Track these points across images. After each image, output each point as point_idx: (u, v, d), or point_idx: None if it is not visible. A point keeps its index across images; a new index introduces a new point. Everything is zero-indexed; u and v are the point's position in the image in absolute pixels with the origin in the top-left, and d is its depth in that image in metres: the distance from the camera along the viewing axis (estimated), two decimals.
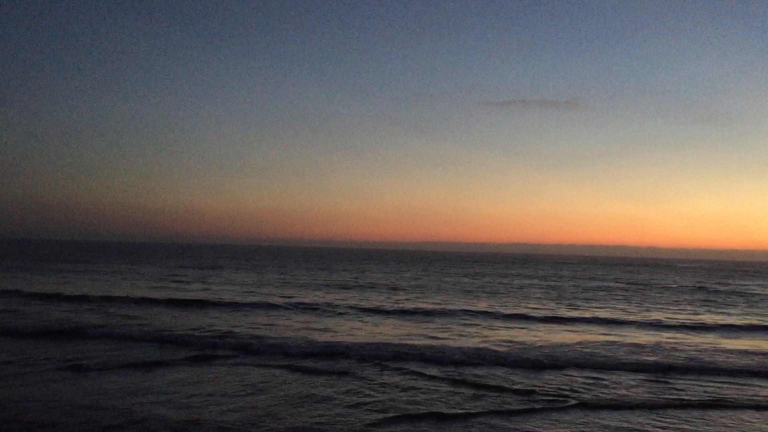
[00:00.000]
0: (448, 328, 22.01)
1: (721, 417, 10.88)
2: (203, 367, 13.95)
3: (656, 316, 28.46)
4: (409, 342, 17.95)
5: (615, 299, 38.32)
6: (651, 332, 22.60)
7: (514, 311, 28.28)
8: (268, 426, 9.52)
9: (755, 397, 12.45)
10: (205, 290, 35.05)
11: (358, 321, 23.42)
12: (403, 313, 26.46)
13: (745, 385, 13.67)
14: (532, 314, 27.30)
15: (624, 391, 12.60)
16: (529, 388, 12.50)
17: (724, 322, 26.28)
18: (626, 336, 21.12)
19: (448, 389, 12.33)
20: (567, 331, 22.32)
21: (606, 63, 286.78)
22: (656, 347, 18.56)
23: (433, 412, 10.48)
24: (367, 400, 11.28)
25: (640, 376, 14.23)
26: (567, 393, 12.23)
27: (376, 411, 10.52)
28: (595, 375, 14.23)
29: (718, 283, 63.48)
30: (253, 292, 34.83)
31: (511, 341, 18.94)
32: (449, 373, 13.80)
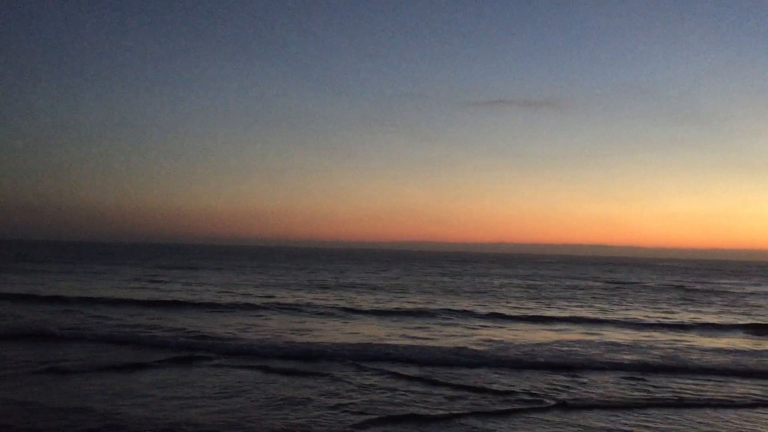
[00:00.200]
0: (428, 327, 22.06)
1: (699, 416, 11.01)
2: (182, 369, 13.85)
3: (634, 314, 28.75)
4: (389, 342, 17.96)
5: (594, 298, 38.65)
6: (629, 331, 22.82)
7: (494, 310, 28.40)
8: (248, 428, 9.48)
9: (731, 396, 12.62)
10: (184, 291, 34.81)
11: (338, 321, 23.40)
12: (383, 313, 26.47)
13: (721, 383, 13.85)
14: (512, 313, 27.45)
15: (602, 391, 12.72)
16: (507, 389, 12.57)
17: (701, 321, 26.62)
18: (604, 335, 21.31)
19: (428, 390, 12.35)
20: (546, 330, 22.48)
21: (586, 64, 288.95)
22: (634, 346, 18.75)
23: (414, 413, 10.50)
24: (348, 401, 11.27)
25: (618, 376, 14.36)
26: (546, 393, 12.31)
27: (357, 413, 10.51)
28: (573, 374, 14.33)
29: (696, 282, 64.28)
30: (232, 292, 34.65)
31: (490, 341, 19.03)
32: (429, 374, 13.82)
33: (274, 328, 20.76)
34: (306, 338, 18.56)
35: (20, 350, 15.57)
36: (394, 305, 29.68)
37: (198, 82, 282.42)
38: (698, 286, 55.92)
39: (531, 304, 32.88)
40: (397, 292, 38.49)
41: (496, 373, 14.30)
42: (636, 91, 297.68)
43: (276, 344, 17.08)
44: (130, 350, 16.01)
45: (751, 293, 48.72)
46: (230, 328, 20.34)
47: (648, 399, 12.14)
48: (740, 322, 26.49)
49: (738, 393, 12.93)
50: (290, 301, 30.20)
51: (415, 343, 17.96)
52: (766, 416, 11.16)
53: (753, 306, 36.09)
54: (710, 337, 21.90)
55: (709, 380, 14.15)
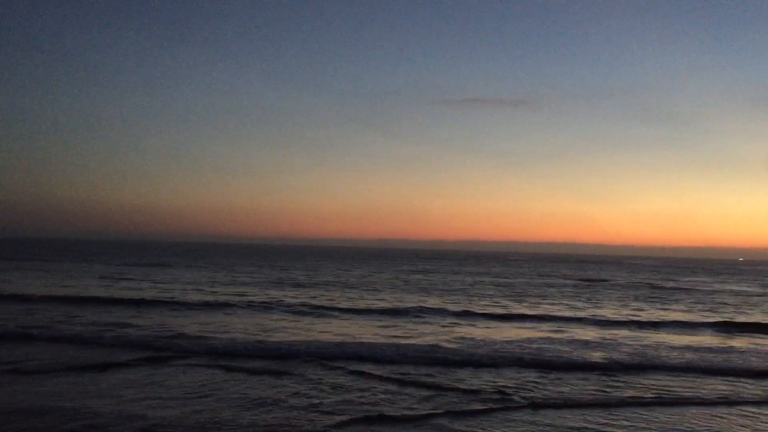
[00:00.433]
0: (401, 326, 22.03)
1: (669, 414, 11.11)
2: (152, 369, 13.61)
3: (605, 312, 29.05)
4: (361, 341, 17.87)
5: (565, 296, 38.99)
6: (599, 329, 23.02)
7: (466, 308, 28.47)
8: (222, 429, 9.33)
9: (701, 393, 12.77)
10: (154, 289, 34.33)
11: (310, 320, 23.25)
12: (355, 311, 26.38)
13: (690, 381, 14.01)
14: (484, 311, 27.53)
15: (573, 389, 12.77)
16: (480, 388, 12.56)
17: (670, 318, 26.97)
18: (575, 332, 21.46)
19: (401, 390, 12.29)
20: (517, 327, 22.57)
21: (559, 63, 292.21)
22: (604, 344, 18.91)
23: (388, 414, 10.42)
24: (320, 401, 11.17)
25: (589, 374, 14.46)
26: (517, 392, 12.33)
27: (330, 413, 10.41)
28: (544, 372, 14.40)
29: (665, 280, 65.24)
30: (203, 290, 34.27)
31: (462, 338, 19.05)
32: (401, 373, 13.77)
33: (245, 326, 20.54)
34: (278, 337, 18.40)
35: None
36: (366, 303, 29.62)
37: (173, 80, 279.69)
38: (667, 284, 56.75)
39: (503, 302, 33.04)
40: (369, 290, 38.43)
41: (468, 371, 14.30)
42: (608, 91, 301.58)
43: (247, 343, 16.89)
44: (97, 350, 15.72)
45: (718, 291, 49.58)
46: (201, 326, 20.09)
47: (619, 397, 12.22)
48: (708, 320, 26.89)
49: (707, 390, 13.08)
50: (262, 299, 29.95)
51: (387, 342, 17.89)
52: (733, 413, 11.30)
53: (720, 303, 36.71)
54: (679, 334, 22.20)
55: (678, 378, 14.31)
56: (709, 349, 18.57)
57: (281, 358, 15.20)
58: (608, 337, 20.73)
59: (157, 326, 19.80)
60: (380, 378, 13.27)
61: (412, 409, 10.88)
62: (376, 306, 28.33)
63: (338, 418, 10.13)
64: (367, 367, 14.28)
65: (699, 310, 31.77)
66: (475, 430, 9.83)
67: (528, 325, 23.76)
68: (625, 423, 10.42)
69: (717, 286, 56.29)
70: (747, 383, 14.02)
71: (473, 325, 22.98)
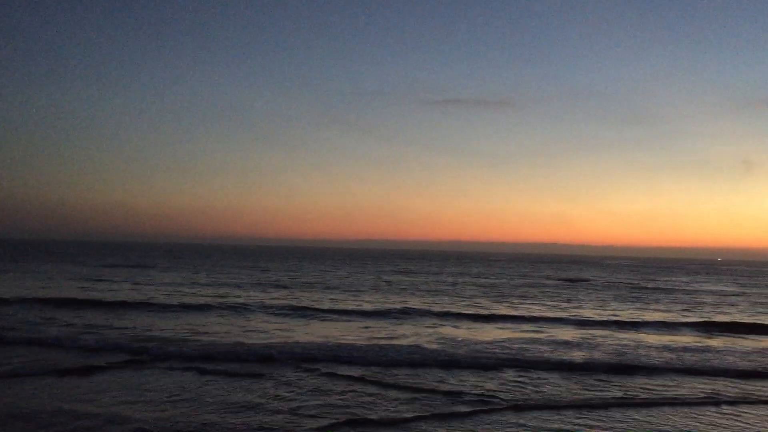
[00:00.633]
0: (382, 327, 21.98)
1: (650, 414, 11.18)
2: (131, 373, 13.44)
3: (585, 313, 29.23)
4: (342, 342, 17.79)
5: (545, 296, 39.19)
6: (580, 329, 23.15)
7: (447, 309, 28.51)
8: None
9: (679, 393, 12.86)
10: (133, 290, 33.97)
11: (292, 321, 23.12)
12: (336, 312, 26.29)
13: (670, 381, 14.12)
14: (465, 312, 27.58)
15: (553, 390, 12.81)
16: (461, 389, 12.55)
17: (650, 319, 27.19)
18: (556, 333, 21.56)
19: (383, 392, 12.25)
20: (499, 328, 22.63)
21: (540, 65, 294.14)
22: (585, 344, 19.02)
23: (372, 418, 10.37)
24: (301, 405, 11.09)
25: (569, 374, 14.53)
26: (498, 394, 12.34)
27: (312, 417, 10.34)
28: (524, 374, 14.44)
29: (645, 280, 65.85)
30: (183, 292, 33.97)
31: (443, 339, 19.04)
32: (384, 375, 13.73)
33: (226, 329, 20.38)
34: (258, 339, 18.26)
35: None
36: (348, 304, 29.53)
37: (154, 80, 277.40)
38: (647, 284, 57.27)
39: (484, 303, 33.12)
40: (351, 291, 38.34)
41: (450, 373, 14.29)
42: (587, 93, 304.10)
43: (228, 345, 16.74)
44: (76, 353, 15.49)
45: (697, 291, 50.12)
46: (181, 329, 19.89)
47: (600, 398, 12.27)
48: (687, 320, 27.16)
49: (687, 390, 13.19)
50: (243, 300, 29.75)
51: (368, 343, 17.83)
52: (713, 413, 11.38)
53: (698, 303, 37.11)
54: (658, 334, 22.38)
55: (658, 378, 14.42)
56: (688, 349, 18.74)
57: (262, 360, 15.10)
58: (589, 337, 20.84)
59: (136, 329, 19.58)
60: (362, 380, 13.21)
61: (397, 412, 10.84)
62: (357, 307, 28.26)
63: (322, 422, 10.06)
64: (348, 369, 14.22)
65: (678, 310, 32.08)
66: None
67: (509, 325, 23.83)
68: (608, 424, 10.46)
69: (695, 286, 56.92)
70: (726, 383, 14.17)
71: (455, 326, 23.00)
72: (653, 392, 12.94)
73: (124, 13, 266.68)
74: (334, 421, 10.12)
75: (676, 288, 52.87)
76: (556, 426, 10.25)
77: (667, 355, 17.61)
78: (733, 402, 12.33)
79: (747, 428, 10.54)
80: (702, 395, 12.80)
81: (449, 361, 15.49)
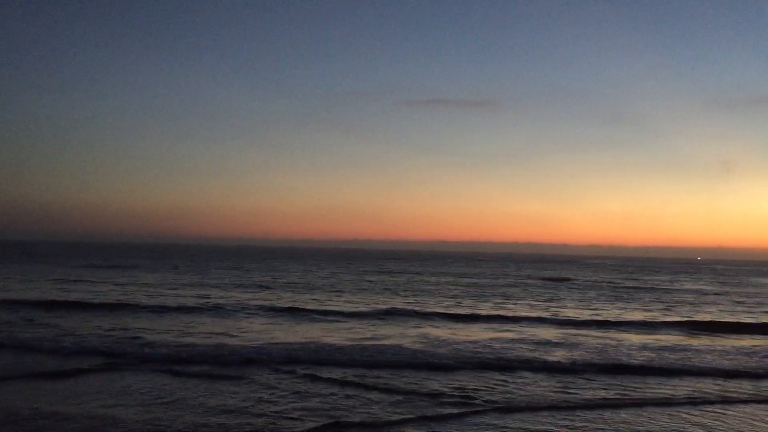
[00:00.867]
0: (364, 327, 21.91)
1: (634, 415, 11.20)
2: (111, 377, 13.25)
3: (568, 312, 29.34)
4: (326, 343, 17.69)
5: (528, 296, 39.32)
6: (562, 329, 23.20)
7: (430, 309, 28.49)
8: None
9: (661, 393, 12.92)
10: (116, 292, 33.60)
11: (274, 322, 22.97)
12: (319, 313, 26.16)
13: (654, 381, 14.17)
14: (448, 312, 27.59)
15: (536, 391, 12.82)
16: (444, 391, 12.51)
17: (631, 318, 27.35)
18: (537, 333, 21.60)
19: (365, 395, 12.17)
20: (481, 328, 22.63)
21: (522, 65, 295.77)
22: (566, 343, 19.07)
23: (358, 421, 10.29)
24: (283, 408, 10.98)
25: (551, 375, 14.54)
26: (481, 395, 12.31)
27: (293, 419, 10.25)
28: (508, 374, 14.44)
29: (627, 279, 66.34)
30: (166, 293, 33.66)
31: (426, 340, 19.00)
32: (366, 377, 13.65)
33: (208, 330, 20.21)
34: (240, 341, 18.10)
35: None
36: (330, 305, 29.41)
37: (139, 81, 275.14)
38: (628, 283, 57.70)
39: (467, 302, 33.15)
40: (334, 291, 38.22)
41: (433, 374, 14.25)
42: (568, 93, 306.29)
43: (210, 347, 16.58)
44: (52, 357, 15.25)
45: (678, 290, 50.58)
46: (163, 331, 19.69)
47: (583, 398, 12.29)
48: (669, 319, 27.36)
49: (669, 390, 13.24)
50: (226, 301, 29.52)
51: (351, 344, 17.75)
52: (695, 413, 11.43)
53: (679, 302, 37.43)
54: (640, 334, 22.50)
55: (641, 378, 14.47)
56: (669, 349, 18.85)
57: (244, 362, 14.95)
58: (571, 337, 20.91)
59: (116, 331, 19.34)
60: (345, 382, 13.11)
61: (381, 414, 10.76)
62: (340, 308, 28.16)
63: (304, 425, 9.96)
64: (331, 371, 14.13)
65: (659, 309, 32.31)
66: None
67: (492, 325, 23.85)
68: (593, 425, 10.47)
69: (676, 285, 57.44)
70: (707, 382, 14.25)
71: (438, 326, 22.98)
72: (636, 392, 12.98)
73: (110, 13, 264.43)
74: (316, 424, 10.03)
75: (657, 287, 53.31)
76: (540, 428, 10.24)
77: (648, 354, 17.70)
78: (715, 402, 12.40)
79: (729, 428, 10.60)
80: (684, 395, 12.86)
81: (432, 362, 15.44)
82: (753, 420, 11.17)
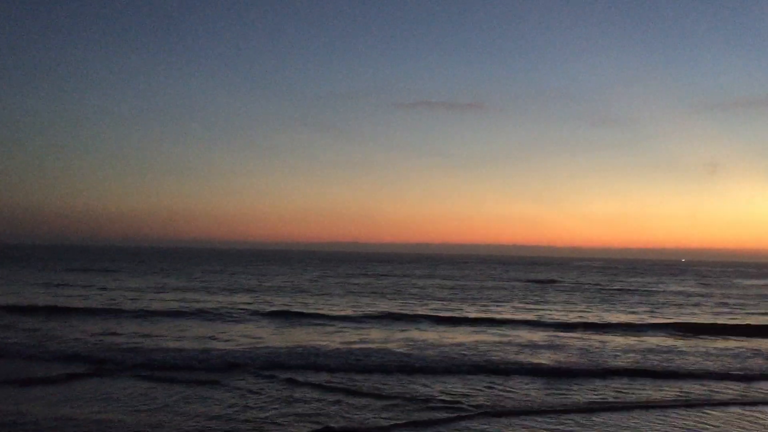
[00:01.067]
0: (352, 331, 21.79)
1: (621, 418, 11.20)
2: (93, 383, 13.03)
3: (553, 314, 29.41)
4: (312, 346, 17.55)
5: (515, 298, 39.38)
6: (548, 331, 23.26)
7: (417, 312, 28.45)
8: None
9: (648, 396, 12.94)
10: (100, 296, 33.24)
11: (260, 326, 22.80)
12: (306, 316, 26.04)
13: (639, 384, 14.19)
14: (435, 314, 27.57)
15: (523, 395, 12.79)
16: (431, 396, 12.45)
17: (617, 320, 27.45)
18: (524, 335, 21.61)
19: (353, 400, 12.08)
20: (468, 331, 22.60)
21: (509, 67, 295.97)
22: (553, 346, 19.10)
23: (341, 427, 10.20)
24: (269, 414, 10.86)
25: (539, 378, 14.53)
26: (469, 399, 12.26)
27: (279, 425, 10.14)
28: (495, 378, 14.41)
29: (613, 281, 66.68)
30: (151, 297, 33.36)
31: (413, 343, 18.93)
32: (353, 382, 13.56)
33: (193, 334, 20.01)
34: (224, 345, 17.94)
35: None
36: (317, 308, 29.27)
37: (124, 80, 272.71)
38: (614, 285, 57.99)
39: (454, 305, 33.13)
40: (320, 295, 38.07)
41: (420, 378, 14.18)
42: (556, 95, 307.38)
43: (194, 352, 16.40)
44: (37, 362, 15.01)
45: (663, 291, 50.91)
46: (146, 336, 19.47)
47: (572, 402, 12.27)
48: (654, 321, 27.48)
49: (656, 393, 13.27)
50: (211, 305, 29.27)
51: (338, 348, 17.62)
52: (682, 415, 11.45)
53: (665, 304, 37.66)
54: (626, 336, 22.55)
55: (628, 380, 14.49)
56: (656, 351, 18.92)
57: (229, 367, 14.78)
58: (557, 339, 20.94)
59: (100, 336, 19.11)
60: (331, 387, 13.00)
61: (370, 419, 10.68)
62: (327, 311, 28.03)
63: (294, 431, 9.86)
64: (317, 375, 14.04)
65: (644, 311, 32.46)
66: None
67: (479, 328, 23.84)
68: (579, 429, 10.44)
69: (662, 287, 57.81)
70: (693, 384, 14.30)
71: (425, 329, 22.93)
72: (624, 395, 12.99)
73: (99, 14, 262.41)
74: (304, 430, 9.93)
75: (643, 289, 53.61)
76: None
77: (634, 357, 17.75)
78: (702, 404, 12.42)
79: (717, 430, 10.61)
80: (672, 397, 12.88)
81: (419, 366, 15.37)
82: (740, 421, 11.21)
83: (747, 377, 15.36)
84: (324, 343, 18.70)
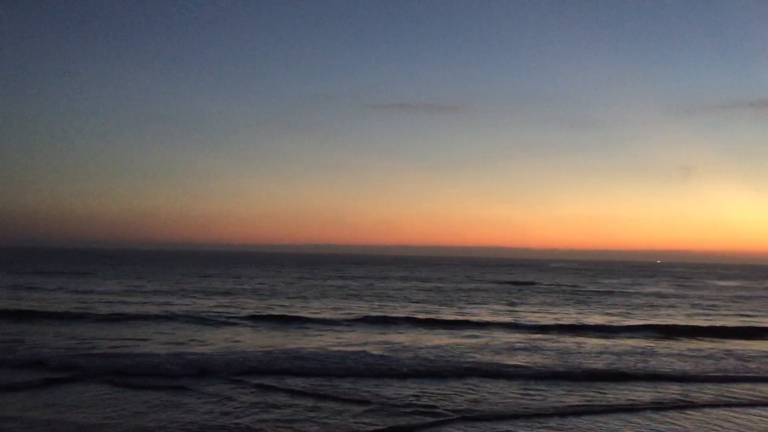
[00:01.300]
0: (328, 334, 21.61)
1: (597, 421, 11.16)
2: (61, 391, 12.68)
3: (530, 316, 29.47)
4: (288, 350, 17.33)
5: (491, 300, 39.44)
6: (524, 333, 23.30)
7: (394, 314, 28.33)
8: None
9: (625, 398, 12.94)
10: (71, 299, 32.63)
11: (234, 330, 22.49)
12: (282, 319, 25.79)
13: (618, 387, 14.19)
14: (412, 316, 27.48)
15: (501, 399, 12.71)
16: (409, 401, 12.31)
17: (593, 322, 27.57)
18: (501, 338, 21.59)
19: (328, 405, 11.91)
20: (445, 333, 22.54)
21: (486, 70, 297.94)
22: (529, 348, 19.08)
23: None
24: (245, 421, 10.65)
25: (515, 382, 14.46)
26: (446, 403, 12.15)
27: None
28: (471, 381, 14.32)
29: (589, 283, 67.20)
30: (124, 300, 32.82)
31: (390, 347, 18.79)
32: (329, 387, 13.38)
33: (166, 339, 19.66)
34: (198, 349, 17.63)
35: None
36: (293, 311, 29.00)
37: (96, 82, 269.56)
38: (590, 287, 58.42)
39: (431, 307, 33.08)
40: (296, 298, 37.78)
41: (397, 381, 14.06)
42: (532, 98, 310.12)
43: (166, 357, 16.08)
44: (3, 369, 14.58)
45: (638, 293, 51.37)
46: (119, 340, 19.08)
47: (550, 405, 12.22)
48: (630, 323, 27.64)
49: (633, 395, 13.27)
50: (186, 308, 28.87)
51: (314, 351, 17.40)
52: (658, 418, 11.45)
53: (639, 305, 37.99)
54: (604, 338, 22.63)
55: (605, 383, 14.48)
56: (631, 353, 18.99)
57: (201, 373, 14.47)
58: (534, 341, 20.94)
59: (70, 341, 18.67)
60: (306, 393, 12.82)
61: (349, 425, 10.51)
62: (303, 314, 27.78)
63: None
64: (294, 380, 13.85)
65: (619, 313, 32.68)
66: None
67: (456, 330, 23.80)
68: None
69: (637, 288, 58.36)
70: (670, 386, 14.34)
71: (401, 332, 22.84)
72: (601, 397, 12.98)
73: (68, 13, 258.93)
74: None
75: (619, 290, 54.06)
76: None
77: (610, 358, 17.79)
78: (678, 406, 12.44)
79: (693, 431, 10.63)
80: (648, 400, 12.89)
81: (396, 370, 15.23)
82: (716, 422, 11.25)
83: (722, 379, 15.45)
84: (300, 347, 18.47)
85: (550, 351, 18.87)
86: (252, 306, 31.38)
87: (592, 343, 21.13)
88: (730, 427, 11.03)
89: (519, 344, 20.20)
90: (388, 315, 28.30)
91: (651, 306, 38.09)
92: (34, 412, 10.93)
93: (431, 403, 12.13)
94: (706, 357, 18.69)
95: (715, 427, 11.00)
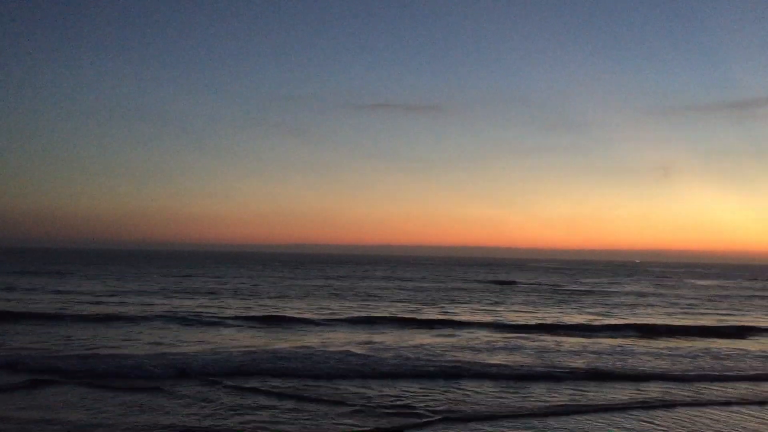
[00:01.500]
0: (310, 334, 21.58)
1: (579, 420, 11.26)
2: (38, 394, 12.52)
3: (512, 316, 29.63)
4: (269, 350, 17.24)
5: (474, 300, 39.60)
6: (506, 333, 23.40)
7: (377, 314, 28.35)
8: None
9: (604, 398, 13.05)
10: (50, 300, 32.25)
11: (216, 331, 22.37)
12: (263, 320, 25.68)
13: (601, 386, 14.30)
14: (395, 316, 27.56)
15: (483, 399, 12.76)
16: (392, 402, 12.33)
17: (574, 321, 27.80)
18: (483, 337, 21.69)
19: (311, 407, 11.89)
20: (428, 333, 22.58)
21: (466, 71, 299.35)
22: (513, 348, 19.18)
23: None
24: (225, 423, 10.60)
25: (498, 382, 14.50)
26: (427, 404, 12.18)
27: None
28: (452, 381, 14.35)
29: (569, 282, 67.68)
30: (105, 301, 32.51)
31: (372, 347, 18.79)
32: (309, 388, 13.36)
33: (147, 340, 19.50)
34: (179, 350, 17.50)
35: None
36: (275, 311, 28.92)
37: (76, 81, 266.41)
38: (571, 286, 58.86)
39: (414, 307, 33.15)
40: (279, 298, 37.67)
41: (378, 382, 14.05)
42: (513, 99, 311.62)
43: (145, 359, 15.94)
44: None
45: (618, 292, 51.86)
46: (96, 342, 18.89)
47: (531, 405, 12.29)
48: (609, 322, 27.89)
49: (614, 395, 13.39)
50: (167, 309, 28.64)
51: (296, 352, 17.35)
52: (641, 417, 11.57)
53: (619, 304, 38.36)
54: (584, 337, 22.80)
55: (586, 383, 14.59)
56: (611, 352, 19.15)
57: (180, 374, 14.31)
58: (516, 341, 21.05)
59: (47, 343, 18.47)
60: (287, 395, 12.78)
61: (331, 427, 10.50)
62: (286, 314, 27.71)
63: None
64: (275, 382, 13.79)
65: (601, 313, 32.95)
66: None
67: (438, 330, 23.87)
68: None
69: (616, 287, 58.92)
70: (650, 385, 14.50)
71: (384, 332, 22.86)
72: (582, 397, 13.07)
73: (51, 12, 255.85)
74: None
75: (599, 290, 54.53)
76: None
77: (591, 357, 17.95)
78: (658, 405, 12.58)
79: (672, 430, 10.76)
80: (628, 399, 13.02)
81: (378, 370, 15.22)
82: (694, 420, 11.39)
83: (701, 377, 15.64)
84: (282, 347, 18.43)
85: (530, 350, 18.99)
86: (234, 306, 31.25)
87: (572, 342, 21.30)
88: (708, 425, 11.17)
89: (500, 343, 20.30)
90: (371, 315, 28.31)
91: (630, 305, 38.47)
92: (5, 419, 10.80)
93: (414, 403, 12.15)
94: (683, 355, 18.91)
95: (693, 425, 11.14)
